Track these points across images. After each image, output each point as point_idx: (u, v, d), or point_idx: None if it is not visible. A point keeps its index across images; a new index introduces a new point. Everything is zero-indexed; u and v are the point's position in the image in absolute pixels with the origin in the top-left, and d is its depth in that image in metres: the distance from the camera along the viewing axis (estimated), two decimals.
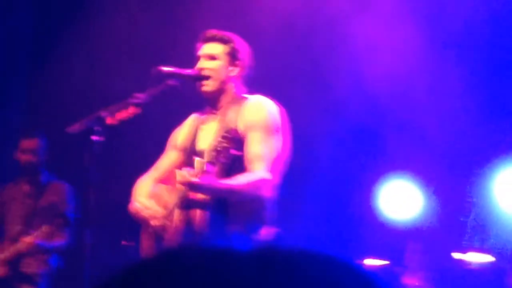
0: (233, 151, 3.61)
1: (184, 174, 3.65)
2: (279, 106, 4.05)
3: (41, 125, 6.42)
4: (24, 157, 6.08)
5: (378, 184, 6.31)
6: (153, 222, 3.94)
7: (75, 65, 6.90)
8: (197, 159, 3.67)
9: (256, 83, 4.16)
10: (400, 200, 6.25)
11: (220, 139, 3.59)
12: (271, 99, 4.06)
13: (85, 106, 5.62)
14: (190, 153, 4.06)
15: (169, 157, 4.25)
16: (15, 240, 5.90)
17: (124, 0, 7.03)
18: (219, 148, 3.57)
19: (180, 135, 4.23)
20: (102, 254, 4.52)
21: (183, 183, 3.68)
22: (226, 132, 3.60)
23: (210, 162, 3.63)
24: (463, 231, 5.87)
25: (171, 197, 3.98)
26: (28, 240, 5.73)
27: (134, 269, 1.04)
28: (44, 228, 5.72)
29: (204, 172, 3.63)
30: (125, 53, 6.75)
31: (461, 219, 5.86)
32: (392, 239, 6.18)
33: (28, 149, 6.06)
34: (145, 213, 3.96)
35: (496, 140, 5.90)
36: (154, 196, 4.12)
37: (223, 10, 6.37)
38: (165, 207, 3.98)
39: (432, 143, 6.10)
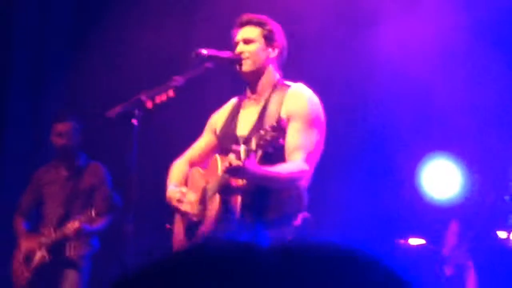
0: (281, 141, 3.61)
1: (232, 160, 3.64)
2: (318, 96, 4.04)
3: (80, 108, 6.44)
4: (58, 141, 6.08)
5: (421, 163, 6.26)
6: (189, 210, 3.96)
7: (113, 50, 6.92)
8: (243, 147, 3.65)
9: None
10: (443, 179, 6.20)
11: (268, 128, 3.56)
12: (311, 89, 4.04)
13: (125, 89, 5.65)
14: (228, 137, 4.06)
15: (205, 140, 4.26)
16: (58, 224, 5.93)
17: None
18: (268, 138, 3.55)
19: (219, 118, 4.22)
20: (144, 237, 4.54)
21: (230, 169, 3.67)
22: (276, 121, 3.58)
23: (256, 150, 3.62)
24: (508, 209, 5.80)
25: (206, 182, 3.98)
26: (75, 225, 5.74)
27: (155, 265, 1.05)
28: (90, 212, 5.73)
29: (248, 159, 3.62)
30: (161, 41, 6.76)
31: (505, 197, 5.79)
32: (435, 218, 6.14)
33: (62, 132, 6.06)
34: (181, 205, 3.99)
35: None
36: (188, 180, 4.14)
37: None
38: (199, 191, 3.99)
39: (474, 122, 6.03)
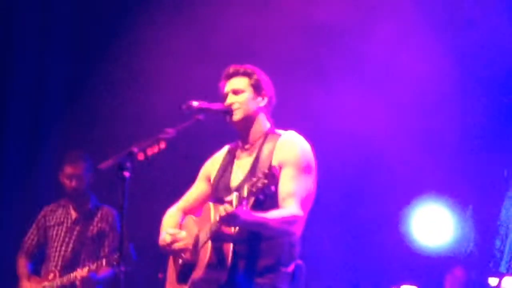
0: (273, 188, 3.65)
1: (224, 208, 3.68)
2: (310, 144, 4.08)
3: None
4: (69, 184, 5.98)
5: (411, 209, 6.26)
6: (183, 246, 3.98)
7: (107, 99, 7.01)
8: (235, 194, 3.69)
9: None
10: (434, 225, 6.19)
11: (260, 175, 3.60)
12: (303, 136, 4.09)
13: (118, 138, 5.70)
14: (223, 188, 4.10)
15: (199, 188, 4.30)
16: (63, 268, 5.84)
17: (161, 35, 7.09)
18: (259, 185, 3.58)
19: (213, 167, 4.26)
20: (137, 287, 4.55)
21: (222, 217, 3.70)
22: (268, 169, 3.62)
23: (248, 197, 3.65)
24: (500, 256, 5.80)
25: (199, 229, 4.01)
26: (83, 273, 5.68)
27: None
28: (101, 262, 5.64)
29: (240, 206, 3.66)
30: (157, 87, 6.83)
31: (497, 243, 5.80)
32: (427, 265, 6.12)
33: (73, 175, 5.96)
34: (175, 245, 4.01)
35: None
36: (182, 227, 4.16)
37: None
38: (192, 238, 4.01)
39: (468, 167, 6.06)
